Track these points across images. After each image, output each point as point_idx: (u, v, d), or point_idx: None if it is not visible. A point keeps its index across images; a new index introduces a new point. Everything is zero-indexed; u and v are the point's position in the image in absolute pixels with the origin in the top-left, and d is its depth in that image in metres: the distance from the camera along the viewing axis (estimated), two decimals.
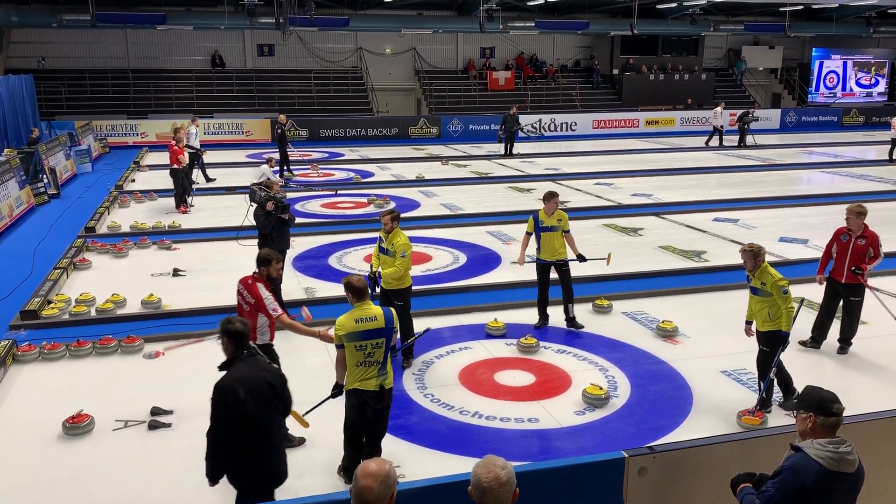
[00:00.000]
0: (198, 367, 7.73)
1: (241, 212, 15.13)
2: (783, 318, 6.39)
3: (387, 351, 5.37)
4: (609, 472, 3.91)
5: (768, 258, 6.96)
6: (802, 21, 34.00)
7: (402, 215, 14.74)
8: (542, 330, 8.64)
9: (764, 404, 6.48)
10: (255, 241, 9.35)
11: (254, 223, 9.17)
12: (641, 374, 7.49)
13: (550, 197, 8.63)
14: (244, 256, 11.81)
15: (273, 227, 8.86)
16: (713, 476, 4.25)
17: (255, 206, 9.12)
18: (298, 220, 14.47)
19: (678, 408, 6.74)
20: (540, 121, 30.10)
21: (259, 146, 26.04)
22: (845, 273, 7.78)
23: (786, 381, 6.61)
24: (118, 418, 6.52)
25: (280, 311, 6.19)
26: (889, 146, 22.65)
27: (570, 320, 8.70)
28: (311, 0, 23.38)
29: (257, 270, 6.31)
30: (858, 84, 37.48)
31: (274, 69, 31.56)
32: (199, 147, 18.75)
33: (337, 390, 5.62)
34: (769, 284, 6.44)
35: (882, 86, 37.87)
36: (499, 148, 24.57)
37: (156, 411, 6.58)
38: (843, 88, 37.32)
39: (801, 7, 31.55)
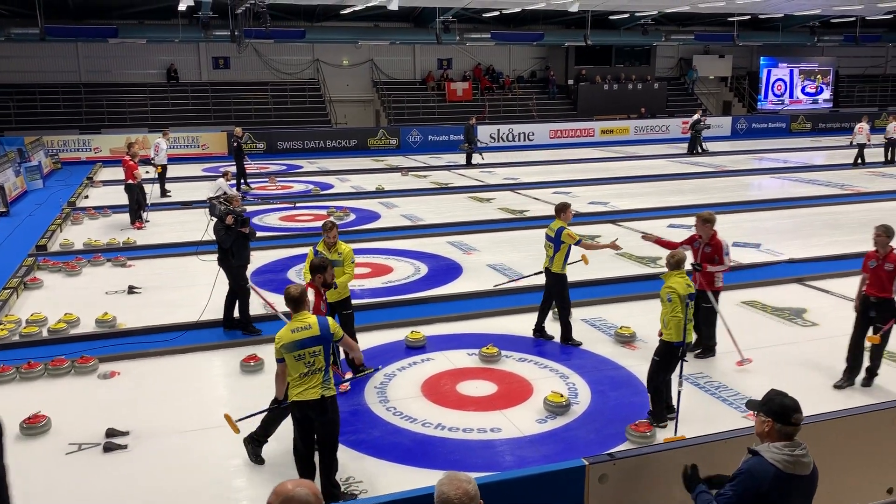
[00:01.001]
0: (155, 386, 7.61)
1: (197, 226, 14.99)
2: (672, 327, 6.34)
3: (327, 359, 5.30)
4: (570, 480, 3.94)
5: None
6: (750, 30, 34.90)
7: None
8: (505, 339, 8.65)
9: (657, 417, 6.49)
10: (216, 257, 9.19)
11: (213, 238, 9.03)
12: (601, 380, 7.58)
13: (566, 208, 8.67)
14: (201, 272, 11.68)
15: (233, 241, 8.73)
16: (673, 481, 4.32)
17: (214, 220, 8.96)
18: (257, 233, 14.39)
19: (638, 413, 6.82)
20: (498, 131, 30.32)
21: (215, 160, 25.74)
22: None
23: (660, 397, 6.55)
24: (72, 441, 6.37)
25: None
26: (855, 151, 23.28)
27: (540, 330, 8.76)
28: (266, 13, 23.21)
29: (312, 277, 6.42)
30: (804, 92, 38.55)
31: (230, 82, 31.28)
32: (165, 162, 18.57)
33: (275, 405, 5.55)
34: (662, 290, 6.50)
35: (827, 93, 39.00)
36: (474, 158, 24.59)
37: (111, 433, 6.44)
38: (791, 96, 38.34)
39: (748, 17, 32.38)
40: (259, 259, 12.43)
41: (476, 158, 24.80)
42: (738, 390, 7.28)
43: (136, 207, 15.16)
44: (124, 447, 6.29)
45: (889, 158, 23.16)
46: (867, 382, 7.36)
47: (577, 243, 8.40)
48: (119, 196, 16.17)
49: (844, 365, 7.40)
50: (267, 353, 8.40)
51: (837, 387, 7.31)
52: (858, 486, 4.71)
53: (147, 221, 15.31)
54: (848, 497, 4.55)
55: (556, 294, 8.53)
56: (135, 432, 6.50)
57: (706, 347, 8.11)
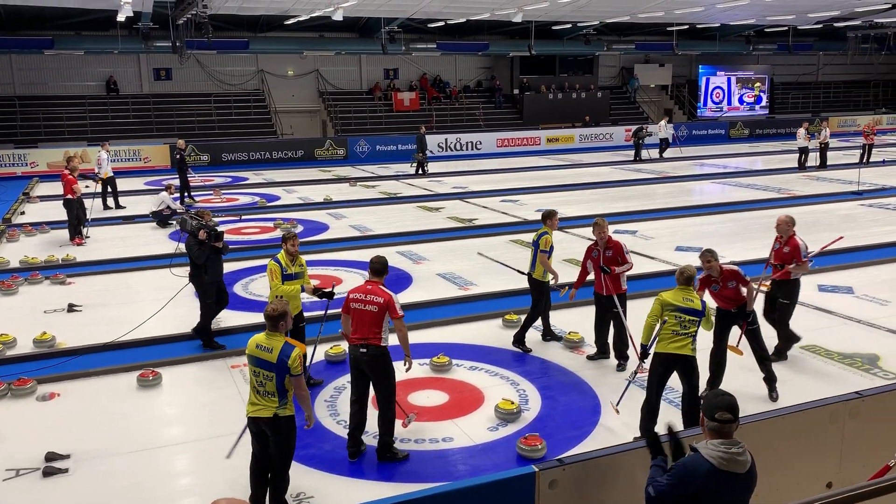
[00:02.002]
0: (97, 406, 7.40)
1: (140, 242, 14.71)
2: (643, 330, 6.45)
3: (280, 386, 5.16)
4: (520, 488, 3.97)
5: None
6: (689, 40, 35.82)
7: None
8: (456, 348, 8.66)
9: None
10: (187, 271, 9.01)
11: (185, 252, 8.86)
12: (551, 385, 7.65)
13: (553, 215, 8.68)
14: (145, 288, 11.45)
15: (207, 256, 8.57)
16: (622, 484, 4.39)
17: (186, 235, 8.76)
18: (230, 247, 14.14)
19: (587, 418, 6.91)
20: (446, 140, 30.45)
21: (158, 172, 25.22)
22: (605, 286, 7.87)
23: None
24: (9, 467, 6.14)
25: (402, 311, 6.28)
26: (797, 154, 24.04)
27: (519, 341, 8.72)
28: (208, 23, 22.89)
29: (375, 278, 6.36)
30: (741, 101, 39.72)
31: (172, 93, 30.72)
32: (112, 173, 18.29)
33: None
34: None
35: (763, 100, 40.25)
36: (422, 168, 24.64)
37: (51, 457, 6.23)
38: (729, 103, 39.45)
39: (686, 27, 33.24)
40: None
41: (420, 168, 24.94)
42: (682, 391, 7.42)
43: (76, 223, 14.74)
44: (65, 471, 6.09)
45: (822, 162, 23.99)
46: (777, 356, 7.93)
47: (541, 252, 8.38)
48: (57, 212, 15.71)
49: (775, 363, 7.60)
50: (216, 371, 8.28)
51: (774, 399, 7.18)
52: (799, 482, 4.84)
53: (87, 237, 14.90)
54: (789, 492, 4.67)
55: (532, 298, 8.64)
56: (76, 455, 6.30)
57: (617, 355, 8.04)
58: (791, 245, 8.12)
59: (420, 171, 24.26)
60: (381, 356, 6.13)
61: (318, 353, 8.35)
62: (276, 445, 5.28)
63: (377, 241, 14.52)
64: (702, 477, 3.51)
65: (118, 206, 18.57)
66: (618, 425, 6.77)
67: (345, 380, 7.89)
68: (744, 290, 7.15)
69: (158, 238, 15.19)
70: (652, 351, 6.33)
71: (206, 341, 8.85)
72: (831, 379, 7.61)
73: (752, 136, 35.79)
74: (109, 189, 18.39)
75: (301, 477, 5.94)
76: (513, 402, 7.01)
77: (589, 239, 14.16)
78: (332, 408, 7.25)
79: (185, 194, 19.04)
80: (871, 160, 24.39)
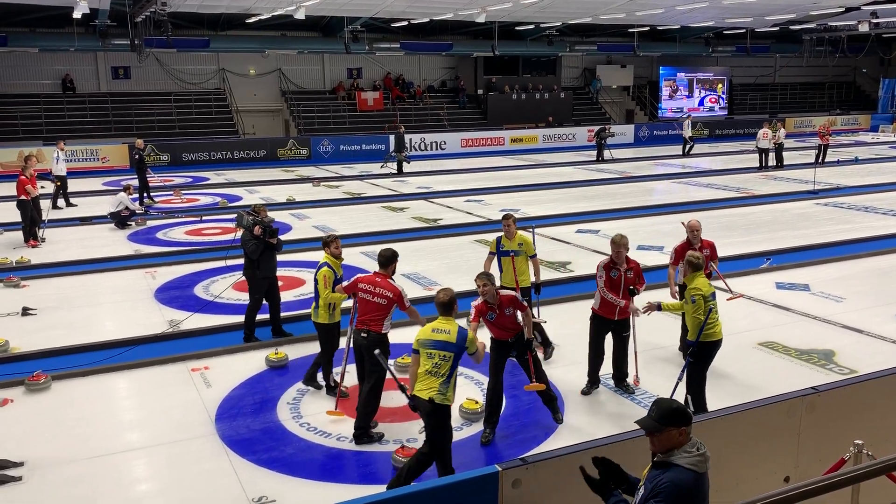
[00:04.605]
0: (51, 412, 7.22)
1: (99, 243, 14.43)
2: (692, 328, 6.57)
3: (452, 368, 5.46)
4: (483, 488, 3.96)
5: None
6: (649, 41, 36.29)
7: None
8: None
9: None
10: (242, 263, 9.09)
11: (242, 247, 8.87)
12: (515, 385, 7.65)
13: (505, 219, 8.30)
14: (104, 291, 11.23)
15: (261, 252, 8.59)
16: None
17: (242, 230, 8.84)
18: (159, 249, 13.94)
19: (551, 416, 6.93)
20: (410, 140, 30.36)
21: (117, 172, 24.74)
22: (619, 309, 7.29)
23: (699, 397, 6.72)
24: None
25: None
26: (757, 155, 24.49)
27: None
28: (167, 21, 22.53)
29: (382, 270, 6.63)
30: (700, 103, 40.35)
31: (130, 92, 30.17)
32: (64, 173, 17.98)
33: (407, 396, 5.73)
34: (686, 292, 6.73)
35: (722, 101, 40.95)
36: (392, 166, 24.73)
37: (3, 464, 6.05)
38: (696, 101, 40.08)
39: (647, 28, 33.67)
40: (163, 275, 12.04)
41: (391, 168, 24.92)
42: (647, 389, 7.51)
43: (30, 224, 14.39)
44: (18, 479, 5.92)
45: (779, 162, 24.48)
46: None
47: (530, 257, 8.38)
48: (11, 213, 15.32)
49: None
50: (173, 374, 8.13)
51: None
52: (757, 477, 4.92)
53: (43, 239, 14.55)
54: (748, 488, 4.73)
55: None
56: (30, 463, 6.14)
57: (619, 378, 7.54)
58: (706, 245, 8.07)
59: (399, 170, 24.24)
60: (380, 342, 6.49)
61: (259, 360, 8.32)
62: (430, 429, 5.49)
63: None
64: (694, 488, 3.41)
65: (69, 205, 18.26)
66: (582, 424, 6.82)
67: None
68: (520, 317, 6.54)
69: (117, 239, 14.91)
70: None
71: (246, 335, 8.90)
72: (788, 374, 7.76)
73: (712, 136, 36.37)
74: (60, 191, 18.14)
75: (263, 480, 5.88)
76: (477, 402, 7.01)
77: (553, 239, 14.41)
78: (294, 410, 7.17)
79: (145, 195, 18.71)
80: (826, 160, 24.95)
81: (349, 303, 7.17)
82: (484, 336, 6.27)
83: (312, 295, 7.53)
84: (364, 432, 6.46)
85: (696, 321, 6.50)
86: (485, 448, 6.39)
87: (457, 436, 6.61)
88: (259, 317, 9.00)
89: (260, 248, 8.59)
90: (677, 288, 8.11)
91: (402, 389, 5.84)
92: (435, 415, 5.44)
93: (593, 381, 7.48)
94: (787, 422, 5.13)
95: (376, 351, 6.30)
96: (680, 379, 6.90)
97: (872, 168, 24.63)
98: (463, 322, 6.06)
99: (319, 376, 7.59)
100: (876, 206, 17.49)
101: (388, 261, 6.69)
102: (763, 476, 4.94)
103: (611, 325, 7.29)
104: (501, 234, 8.34)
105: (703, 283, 6.60)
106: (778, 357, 8.33)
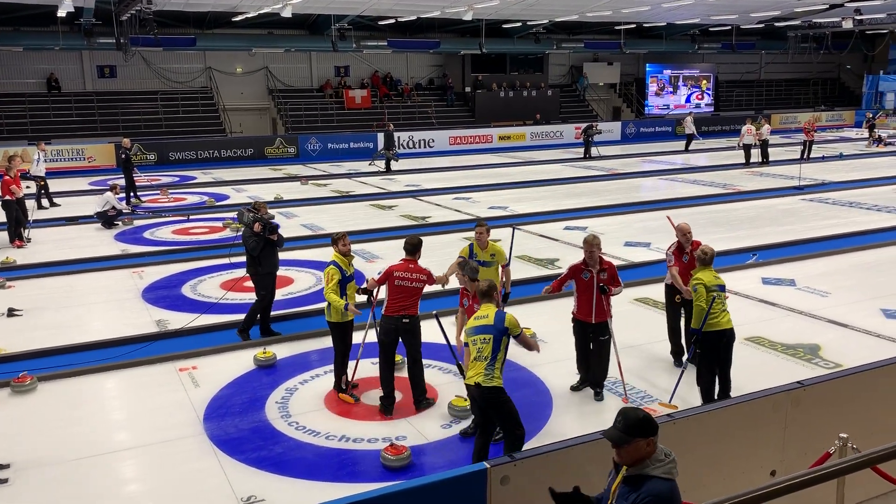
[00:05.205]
0: (39, 413, 7.18)
1: (85, 243, 14.35)
2: (694, 316, 6.72)
3: (494, 351, 5.62)
4: (472, 485, 3.97)
5: (613, 262, 7.40)
6: (636, 38, 36.38)
7: None
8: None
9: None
10: (244, 260, 9.13)
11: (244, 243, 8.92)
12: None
13: (478, 227, 8.11)
14: (91, 291, 11.17)
15: (262, 248, 8.65)
16: (574, 478, 4.42)
17: (243, 227, 8.93)
18: (146, 248, 13.88)
19: (539, 413, 6.96)
20: (399, 138, 30.33)
21: (103, 172, 24.58)
22: (595, 311, 7.18)
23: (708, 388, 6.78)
24: None
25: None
26: (742, 152, 24.64)
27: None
28: (152, 19, 22.39)
29: (410, 256, 7.08)
30: (687, 100, 40.53)
31: (117, 91, 29.98)
32: (44, 174, 17.98)
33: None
34: (690, 283, 6.90)
35: (708, 98, 41.15)
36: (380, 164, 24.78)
37: None
38: (687, 100, 40.28)
39: (633, 25, 33.77)
40: (150, 275, 11.99)
41: (378, 165, 24.91)
42: (634, 384, 7.55)
43: (15, 225, 14.28)
44: (5, 481, 5.89)
45: (764, 158, 24.63)
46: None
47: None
48: None
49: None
50: (158, 375, 8.09)
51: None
52: (744, 471, 4.96)
53: (29, 239, 14.45)
54: (735, 481, 4.77)
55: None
56: (17, 464, 6.10)
57: (594, 383, 7.35)
58: (697, 246, 7.51)
59: (387, 168, 24.23)
60: (418, 323, 7.04)
61: (247, 359, 8.30)
62: (493, 412, 5.70)
63: (329, 240, 14.37)
64: (673, 496, 3.37)
65: (52, 205, 18.16)
66: (570, 420, 6.85)
67: (297, 381, 7.83)
68: None
69: (103, 239, 14.82)
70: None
71: (242, 328, 8.94)
72: (775, 369, 7.81)
73: (698, 132, 36.42)
74: (43, 192, 18.07)
75: (252, 479, 5.88)
76: (465, 399, 6.99)
77: (541, 236, 14.44)
78: (283, 409, 7.16)
79: (131, 194, 18.61)
80: (811, 156, 25.12)
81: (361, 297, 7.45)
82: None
83: (302, 294, 7.51)
84: (424, 398, 7.07)
85: (698, 309, 6.64)
86: (470, 445, 6.39)
87: (445, 433, 6.65)
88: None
89: (261, 244, 8.66)
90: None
91: (461, 370, 6.05)
92: (483, 398, 5.63)
93: (584, 379, 7.46)
94: (774, 416, 5.18)
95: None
96: (681, 375, 6.93)
97: (857, 164, 24.82)
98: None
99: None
100: (860, 201, 17.64)
101: (415, 247, 7.15)
102: (750, 469, 4.99)
103: (589, 328, 7.17)
104: (474, 241, 8.14)
105: (708, 275, 6.74)
106: (764, 352, 8.39)
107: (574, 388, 7.46)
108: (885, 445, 4.37)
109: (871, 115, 33.15)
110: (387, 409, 7.03)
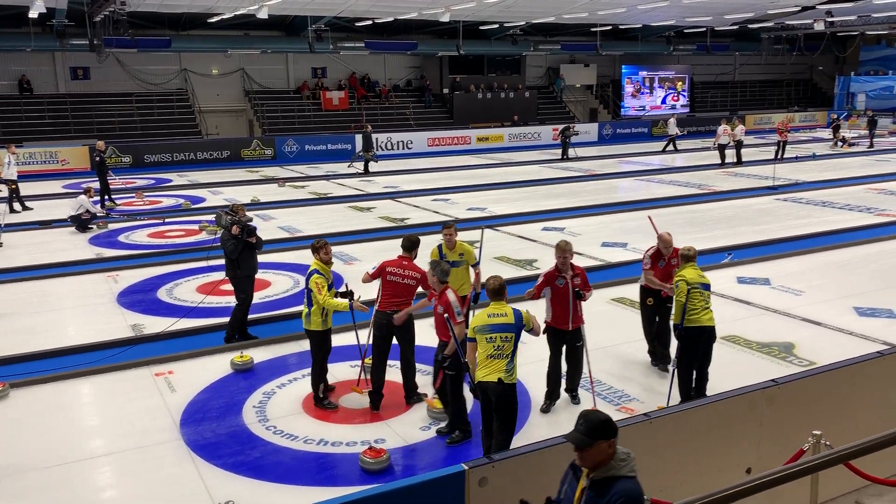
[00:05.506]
0: (10, 422, 7.07)
1: (57, 247, 14.16)
2: (675, 310, 6.86)
3: (514, 348, 5.72)
4: (450, 487, 3.97)
5: (593, 262, 7.44)
6: (612, 40, 36.63)
7: None
8: None
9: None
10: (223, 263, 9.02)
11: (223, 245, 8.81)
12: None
13: (445, 228, 7.97)
14: (64, 296, 11.03)
15: (240, 251, 8.57)
16: (552, 479, 4.44)
17: (220, 230, 8.89)
18: (120, 252, 13.73)
19: (518, 413, 6.96)
20: (377, 139, 30.27)
21: (77, 175, 24.25)
22: (571, 318, 7.07)
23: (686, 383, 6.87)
24: None
25: None
26: (717, 151, 24.90)
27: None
28: (125, 20, 22.15)
29: (406, 254, 7.16)
30: (662, 101, 40.88)
31: (90, 93, 29.61)
32: (16, 177, 17.74)
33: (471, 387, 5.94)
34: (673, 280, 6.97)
35: (683, 99, 41.54)
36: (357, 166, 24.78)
37: None
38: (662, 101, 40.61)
39: (609, 27, 33.99)
40: (126, 279, 11.86)
41: (357, 167, 24.84)
42: (611, 384, 7.59)
43: None
44: None
45: (738, 159, 24.91)
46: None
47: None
48: None
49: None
50: (133, 381, 8.00)
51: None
52: (720, 469, 5.01)
53: (0, 244, 14.23)
54: (711, 479, 4.82)
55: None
56: None
57: (571, 389, 7.28)
58: (676, 254, 7.54)
59: (365, 170, 24.18)
60: (411, 322, 7.12)
61: (224, 363, 8.24)
62: (497, 409, 5.73)
63: (307, 242, 14.29)
64: (641, 493, 3.39)
65: (25, 209, 17.90)
66: (547, 421, 6.87)
67: (275, 385, 7.78)
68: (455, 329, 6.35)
69: (77, 243, 14.64)
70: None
71: (229, 335, 8.89)
72: (750, 367, 7.89)
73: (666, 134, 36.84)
74: (14, 195, 17.81)
75: (229, 484, 5.84)
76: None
77: (519, 237, 14.48)
78: (260, 413, 7.12)
79: (106, 197, 18.39)
80: (785, 156, 25.43)
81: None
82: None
83: (280, 297, 7.46)
84: (415, 394, 7.20)
85: (678, 304, 6.75)
86: (451, 448, 6.41)
87: (423, 435, 6.65)
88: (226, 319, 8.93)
89: (239, 247, 8.59)
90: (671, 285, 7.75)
91: (467, 368, 6.01)
92: (504, 394, 5.68)
93: (552, 395, 7.15)
94: (749, 414, 5.23)
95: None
96: (672, 376, 6.99)
97: (829, 164, 25.17)
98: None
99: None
100: (833, 200, 17.89)
101: (412, 245, 7.25)
102: (726, 467, 5.03)
103: (566, 335, 7.03)
104: (443, 242, 7.95)
105: (691, 272, 6.83)
106: (739, 350, 8.48)
107: (543, 411, 7.07)
108: (857, 442, 4.44)
109: (835, 117, 33.54)
110: (374, 404, 7.10)
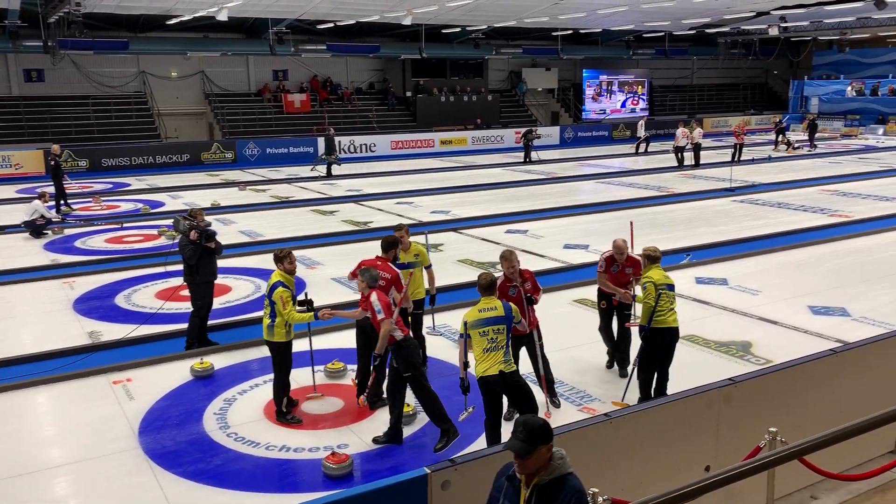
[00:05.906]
0: None
1: (12, 253, 13.82)
2: (642, 313, 6.90)
3: (508, 339, 5.90)
4: (412, 491, 3.97)
5: (555, 264, 7.49)
6: (573, 45, 37.01)
7: None
8: (351, 353, 8.56)
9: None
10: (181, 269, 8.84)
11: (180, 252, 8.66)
12: (448, 385, 7.66)
13: (397, 230, 7.94)
14: (19, 302, 10.78)
15: (199, 256, 8.42)
16: None
17: (179, 235, 8.72)
18: (77, 258, 13.46)
19: (482, 416, 6.98)
20: (339, 143, 30.13)
21: (31, 180, 23.70)
22: (526, 322, 7.05)
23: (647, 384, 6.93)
24: None
25: None
26: (673, 154, 25.24)
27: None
28: (81, 22, 21.72)
29: (384, 255, 7.26)
30: (622, 105, 41.41)
31: (45, 96, 28.96)
32: None
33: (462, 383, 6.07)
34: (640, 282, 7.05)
35: (643, 102, 42.14)
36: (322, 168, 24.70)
37: None
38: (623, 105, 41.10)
39: (570, 32, 34.33)
40: (82, 285, 11.62)
41: (320, 171, 24.69)
42: (573, 384, 7.66)
43: None
44: None
45: (696, 162, 25.32)
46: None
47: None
48: None
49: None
50: (93, 388, 7.85)
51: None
52: (679, 467, 5.08)
53: None
54: (670, 478, 4.89)
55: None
56: None
57: (550, 390, 7.23)
58: (630, 262, 7.68)
59: (328, 173, 24.03)
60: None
61: (184, 370, 8.13)
62: (511, 398, 6.04)
63: (268, 246, 14.18)
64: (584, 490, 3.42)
65: None
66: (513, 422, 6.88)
67: (236, 391, 7.69)
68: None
69: (32, 249, 14.31)
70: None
71: (189, 343, 8.75)
72: (708, 366, 8.02)
73: (634, 136, 37.25)
74: None
75: (190, 493, 5.75)
76: (408, 405, 7.00)
77: (483, 239, 14.54)
78: (221, 420, 7.03)
79: (62, 202, 18.00)
80: (741, 159, 25.93)
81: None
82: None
83: (240, 302, 7.37)
84: (379, 398, 7.11)
85: (646, 307, 6.79)
86: (413, 450, 6.40)
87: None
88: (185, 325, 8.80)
89: (197, 252, 8.47)
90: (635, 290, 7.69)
91: (465, 366, 6.06)
92: (510, 382, 5.85)
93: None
94: (707, 413, 5.32)
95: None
96: (631, 376, 7.05)
97: (784, 166, 25.73)
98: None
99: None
100: (788, 202, 18.29)
101: (389, 245, 7.39)
102: (685, 466, 5.11)
103: (523, 339, 7.00)
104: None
105: (658, 273, 6.89)
106: (698, 350, 8.62)
107: (508, 419, 6.64)
108: (811, 437, 4.55)
109: (777, 120, 33.92)
110: (361, 391, 7.21)
